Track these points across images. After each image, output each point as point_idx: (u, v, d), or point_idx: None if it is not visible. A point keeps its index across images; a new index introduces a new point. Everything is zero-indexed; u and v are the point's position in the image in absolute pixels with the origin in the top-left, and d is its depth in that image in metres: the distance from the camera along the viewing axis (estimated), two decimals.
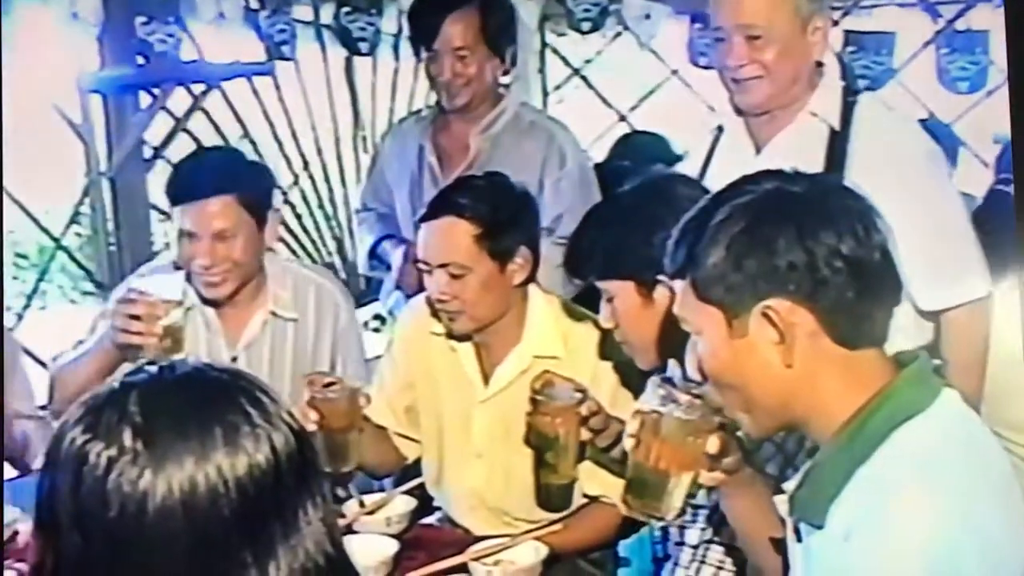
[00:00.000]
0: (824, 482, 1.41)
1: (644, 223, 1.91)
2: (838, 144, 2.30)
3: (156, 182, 3.69)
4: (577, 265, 2.06)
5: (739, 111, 2.39)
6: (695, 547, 1.92)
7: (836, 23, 4.17)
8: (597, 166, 3.30)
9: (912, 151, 2.33)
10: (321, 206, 4.37)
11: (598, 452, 2.16)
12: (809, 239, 1.38)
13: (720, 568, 1.90)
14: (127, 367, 1.12)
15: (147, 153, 3.75)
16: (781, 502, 1.49)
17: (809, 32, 2.29)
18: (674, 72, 4.74)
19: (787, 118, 2.34)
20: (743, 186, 1.46)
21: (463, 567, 2.13)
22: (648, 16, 4.62)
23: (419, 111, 3.42)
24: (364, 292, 3.89)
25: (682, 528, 1.94)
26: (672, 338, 1.77)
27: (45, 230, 3.81)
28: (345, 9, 4.22)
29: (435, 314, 2.36)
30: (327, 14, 4.25)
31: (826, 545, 1.39)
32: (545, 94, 4.88)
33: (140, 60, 3.66)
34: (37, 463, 2.38)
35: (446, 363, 2.40)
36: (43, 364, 3.22)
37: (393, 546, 2.17)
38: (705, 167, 2.42)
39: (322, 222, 4.38)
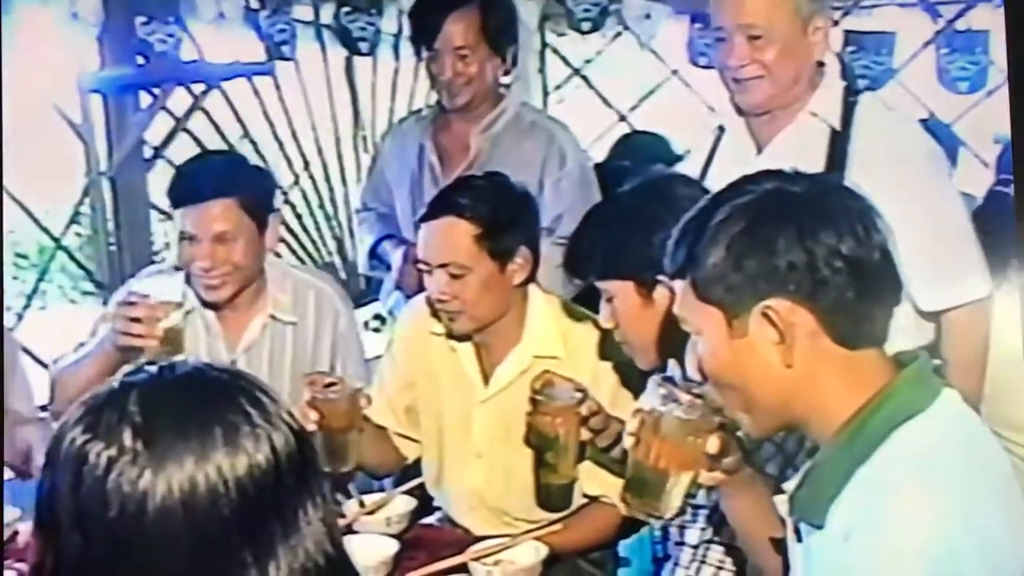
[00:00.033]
0: (824, 482, 1.41)
1: (644, 223, 1.91)
2: (839, 144, 2.30)
3: (156, 182, 3.69)
4: (577, 265, 2.06)
5: (740, 111, 2.39)
6: (695, 547, 1.92)
7: (836, 23, 4.17)
8: (597, 166, 3.30)
9: (913, 151, 2.33)
10: (321, 206, 4.37)
11: (598, 452, 2.16)
12: (809, 239, 1.38)
13: (720, 568, 1.90)
14: (128, 368, 1.12)
15: (147, 153, 3.75)
16: (781, 502, 1.49)
17: (810, 32, 2.29)
18: (674, 72, 4.74)
19: (788, 118, 2.34)
20: (743, 186, 1.46)
21: (463, 567, 2.13)
22: (648, 16, 4.62)
23: (419, 110, 3.43)
24: (364, 292, 3.89)
25: (682, 528, 1.94)
26: (672, 338, 1.77)
27: (45, 230, 3.81)
28: (345, 9, 4.22)
29: (435, 314, 2.36)
30: (327, 14, 4.25)
31: (826, 545, 1.39)
32: (545, 94, 4.88)
33: (140, 60, 3.66)
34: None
35: (446, 363, 2.40)
36: (43, 364, 3.23)
37: (393, 546, 2.17)
38: (706, 167, 2.42)
39: (322, 222, 4.38)
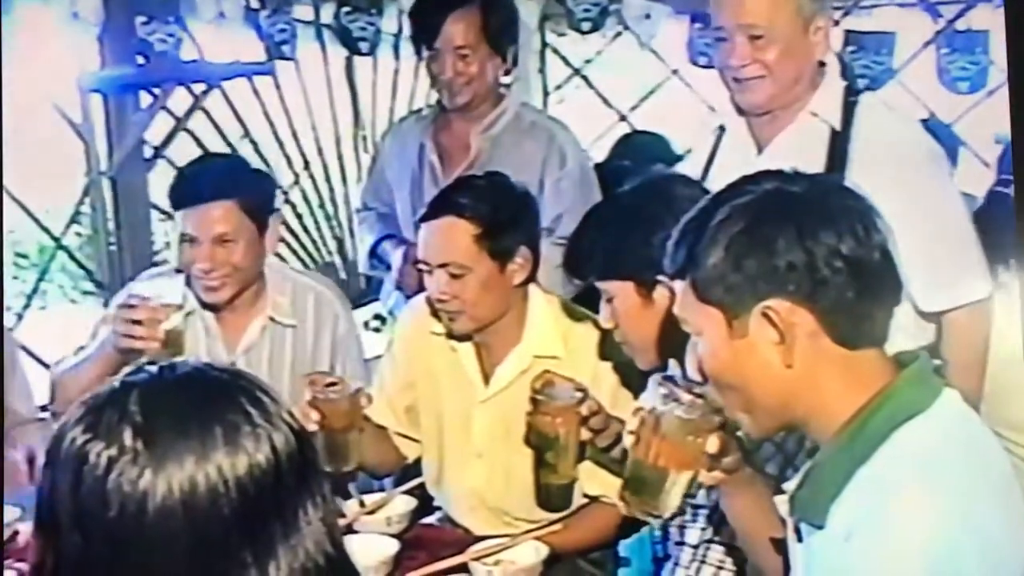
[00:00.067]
0: (825, 482, 1.41)
1: (644, 223, 1.91)
2: (839, 144, 2.30)
3: (157, 182, 3.69)
4: (577, 265, 2.06)
5: (741, 111, 2.39)
6: (695, 547, 1.92)
7: (836, 23, 4.17)
8: (597, 166, 3.30)
9: (913, 151, 2.33)
10: (322, 206, 4.37)
11: (598, 452, 2.16)
12: (809, 239, 1.38)
13: (720, 568, 1.90)
14: (128, 368, 1.12)
15: (148, 153, 3.75)
16: (782, 502, 1.49)
17: (811, 32, 2.29)
18: (674, 72, 4.74)
19: (788, 118, 2.34)
20: (743, 186, 1.46)
21: (463, 567, 2.13)
22: (648, 16, 4.62)
23: (419, 110, 3.43)
24: (364, 292, 3.89)
25: (682, 528, 1.94)
26: (672, 338, 1.77)
27: (45, 229, 3.81)
28: (345, 9, 4.22)
29: (435, 314, 2.36)
30: (327, 14, 4.25)
31: (827, 545, 1.39)
32: (545, 94, 4.88)
33: (140, 60, 3.66)
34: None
35: (446, 363, 2.40)
36: (43, 364, 3.23)
37: (393, 546, 2.17)
38: (707, 167, 2.42)
39: (323, 222, 4.38)
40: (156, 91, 3.63)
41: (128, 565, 1.02)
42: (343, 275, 4.31)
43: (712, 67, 2.49)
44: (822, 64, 2.35)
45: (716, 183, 1.75)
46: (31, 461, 2.41)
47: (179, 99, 3.76)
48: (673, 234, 1.49)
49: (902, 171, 2.22)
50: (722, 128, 2.44)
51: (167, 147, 3.78)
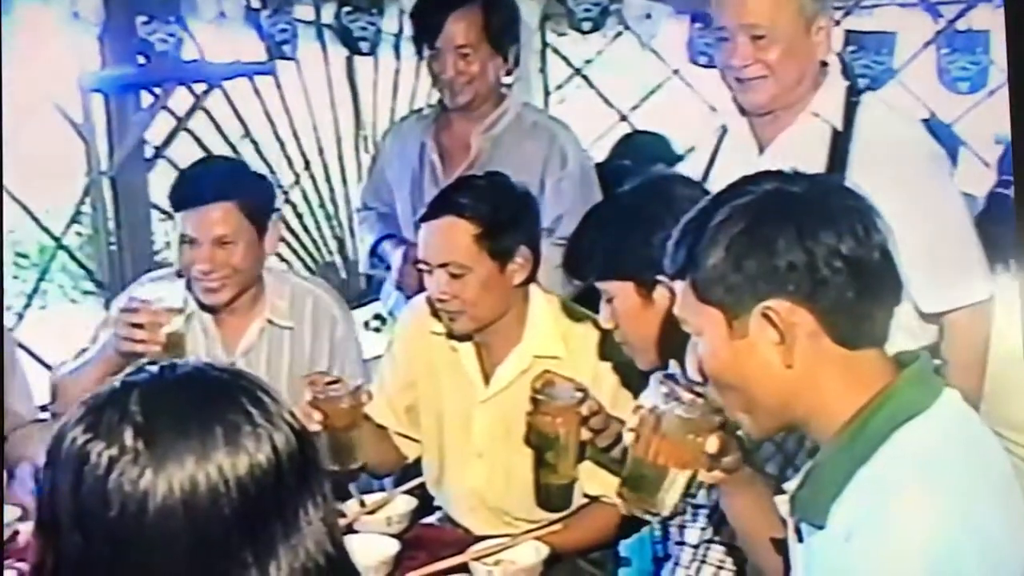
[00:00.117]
0: (825, 482, 1.41)
1: (643, 223, 1.91)
2: (840, 144, 2.30)
3: (157, 181, 3.69)
4: (576, 266, 2.06)
5: (742, 111, 2.39)
6: (695, 546, 1.92)
7: (837, 23, 4.16)
8: (598, 166, 3.30)
9: (914, 152, 2.33)
10: (322, 205, 4.37)
11: (598, 452, 2.16)
12: (809, 239, 1.38)
13: (720, 568, 1.90)
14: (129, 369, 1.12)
15: (148, 152, 3.75)
16: (782, 502, 1.49)
17: (813, 32, 2.29)
18: (675, 72, 4.73)
19: (790, 118, 2.34)
20: (743, 187, 1.46)
21: (464, 567, 2.13)
22: (649, 16, 4.62)
23: (420, 109, 3.42)
24: (364, 292, 3.89)
25: (682, 527, 1.94)
26: (672, 339, 1.77)
27: (46, 229, 3.81)
28: (346, 9, 4.22)
29: (435, 314, 2.36)
30: (328, 14, 4.24)
31: (827, 545, 1.39)
32: (546, 94, 4.88)
33: (141, 59, 3.65)
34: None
35: (447, 363, 2.40)
36: (44, 363, 3.23)
37: (394, 546, 2.17)
38: (709, 167, 2.42)
39: (323, 222, 4.38)
40: (157, 91, 3.63)
41: (129, 565, 1.02)
42: (344, 275, 4.31)
43: (713, 67, 2.49)
44: (824, 64, 2.35)
45: (718, 183, 1.74)
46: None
47: (180, 99, 3.76)
48: (673, 234, 1.49)
49: (903, 172, 2.22)
50: (724, 128, 2.44)
51: (168, 147, 3.78)
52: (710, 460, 1.62)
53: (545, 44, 4.84)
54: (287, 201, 4.18)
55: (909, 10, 4.56)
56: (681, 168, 2.55)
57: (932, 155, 2.36)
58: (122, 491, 1.01)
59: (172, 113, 3.77)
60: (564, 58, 4.89)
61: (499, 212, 2.26)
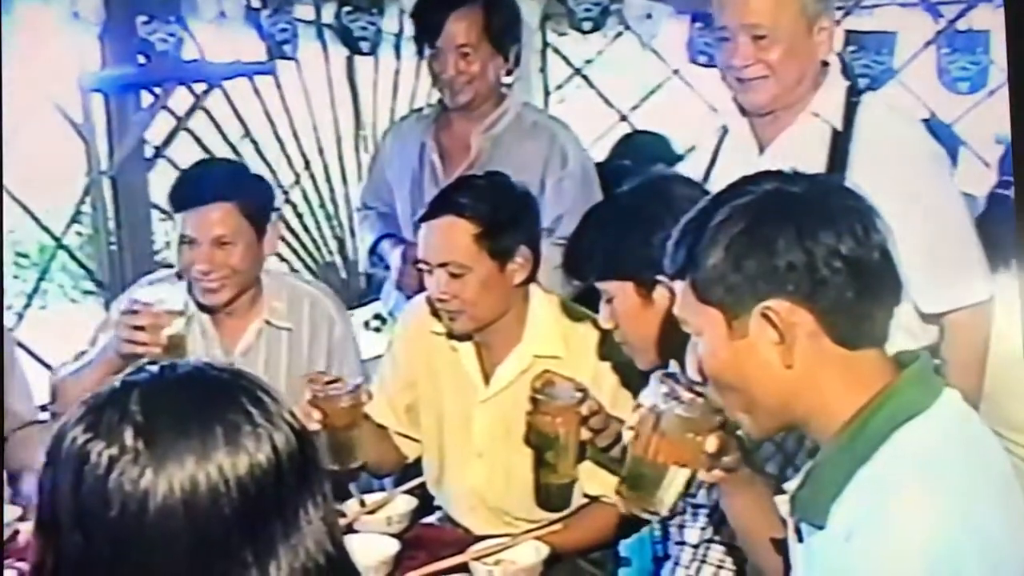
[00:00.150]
0: (825, 482, 1.41)
1: (643, 223, 1.91)
2: (840, 144, 2.30)
3: (157, 181, 3.69)
4: (576, 266, 2.06)
5: (743, 111, 2.38)
6: (695, 546, 1.92)
7: (837, 23, 4.16)
8: (598, 165, 3.30)
9: (915, 152, 2.33)
10: (323, 205, 4.37)
11: (598, 452, 2.16)
12: (808, 239, 1.38)
13: (720, 567, 1.90)
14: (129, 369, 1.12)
15: (148, 152, 3.75)
16: (782, 502, 1.49)
17: (815, 32, 2.28)
18: (675, 72, 4.73)
19: (790, 118, 2.34)
20: (743, 187, 1.46)
21: (464, 567, 2.13)
22: (649, 16, 4.61)
23: (420, 109, 3.42)
24: (365, 292, 3.89)
25: (682, 527, 1.94)
26: (672, 339, 1.77)
27: (46, 229, 3.81)
28: (346, 8, 4.22)
29: (435, 313, 2.36)
30: (328, 13, 4.24)
31: (827, 545, 1.39)
32: (546, 94, 4.88)
33: (141, 59, 3.65)
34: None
35: (447, 362, 2.40)
36: (44, 363, 3.23)
37: (394, 545, 2.17)
38: (711, 167, 2.42)
39: (323, 221, 4.38)
40: (157, 91, 3.63)
41: (129, 565, 1.02)
42: (344, 275, 4.31)
43: (713, 67, 2.49)
44: (824, 64, 2.35)
45: (718, 183, 1.75)
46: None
47: (180, 99, 3.76)
48: (673, 234, 1.49)
49: (903, 172, 2.22)
50: (724, 128, 2.44)
51: (168, 147, 3.78)
52: (709, 459, 1.62)
53: (545, 44, 4.84)
54: (287, 201, 4.18)
55: (909, 10, 4.55)
56: (681, 168, 2.55)
57: (932, 155, 2.36)
58: (122, 491, 1.01)
59: (172, 113, 3.77)
60: (564, 58, 4.89)
61: (499, 212, 2.26)
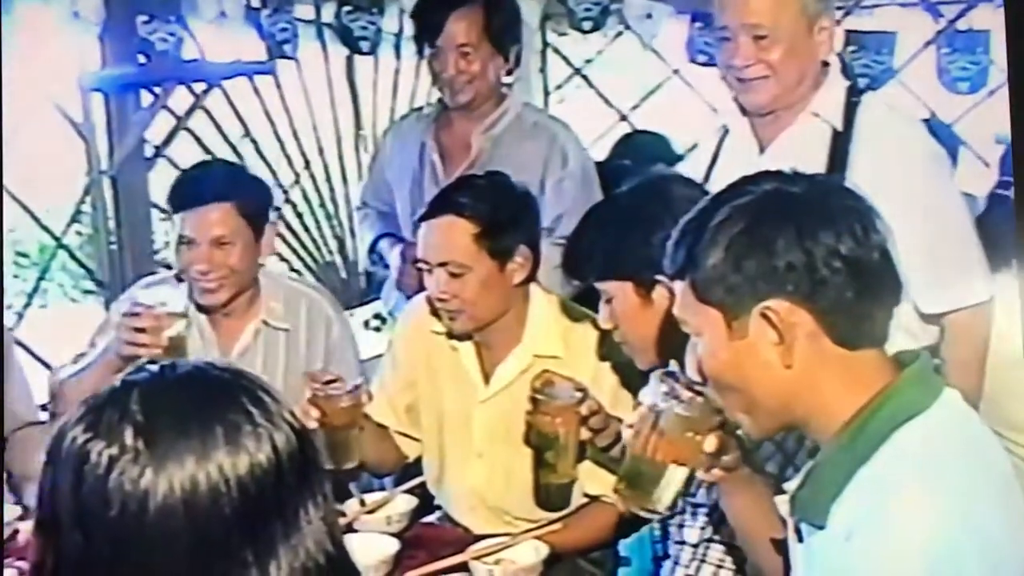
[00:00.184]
0: (825, 482, 1.41)
1: (642, 224, 1.91)
2: (840, 144, 2.30)
3: (157, 181, 3.69)
4: (576, 266, 2.06)
5: (743, 111, 2.38)
6: (695, 546, 1.92)
7: (838, 23, 4.16)
8: (597, 165, 3.30)
9: (915, 153, 2.33)
10: (322, 205, 4.37)
11: (598, 452, 2.16)
12: (808, 240, 1.38)
13: (720, 567, 1.90)
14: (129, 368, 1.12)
15: (148, 152, 3.75)
16: (782, 502, 1.49)
17: (815, 32, 2.28)
18: (675, 72, 4.73)
19: (791, 118, 2.34)
20: (742, 187, 1.46)
21: (463, 566, 2.13)
22: (650, 16, 4.61)
23: (421, 108, 3.42)
24: (365, 292, 3.89)
25: (682, 527, 1.94)
26: (671, 339, 1.77)
27: (46, 229, 3.81)
28: (346, 8, 4.22)
29: (435, 313, 2.36)
30: (328, 13, 4.24)
31: (827, 545, 1.39)
32: (546, 93, 4.87)
33: (141, 59, 3.65)
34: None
35: (447, 362, 2.40)
36: (44, 363, 3.24)
37: (394, 545, 2.17)
38: (711, 166, 2.42)
39: (323, 221, 4.37)
40: (157, 90, 3.63)
41: (129, 564, 1.02)
42: (344, 275, 4.31)
43: (713, 67, 2.49)
44: (825, 64, 2.35)
45: (718, 183, 1.74)
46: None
47: (180, 98, 3.76)
48: (672, 234, 1.49)
49: (903, 172, 2.22)
50: (725, 128, 2.44)
51: (168, 146, 3.79)
52: (709, 459, 1.62)
53: (545, 44, 4.84)
54: (287, 201, 4.18)
55: (909, 10, 4.55)
56: (681, 168, 2.55)
57: (932, 155, 2.36)
58: (122, 490, 1.01)
59: (172, 112, 3.77)
60: (564, 58, 4.88)
61: (499, 211, 2.26)
